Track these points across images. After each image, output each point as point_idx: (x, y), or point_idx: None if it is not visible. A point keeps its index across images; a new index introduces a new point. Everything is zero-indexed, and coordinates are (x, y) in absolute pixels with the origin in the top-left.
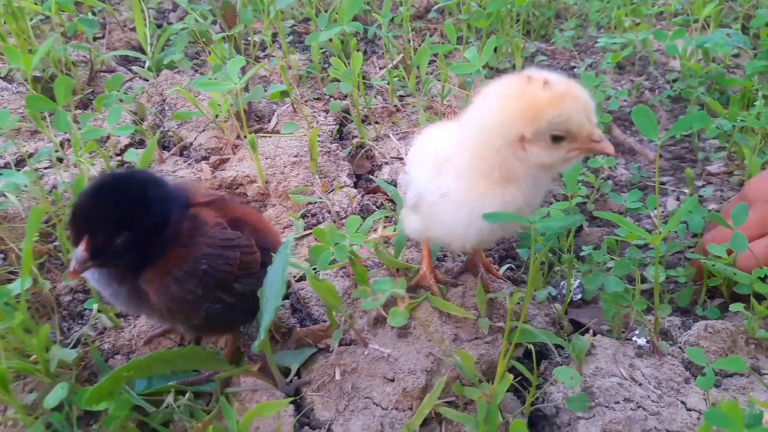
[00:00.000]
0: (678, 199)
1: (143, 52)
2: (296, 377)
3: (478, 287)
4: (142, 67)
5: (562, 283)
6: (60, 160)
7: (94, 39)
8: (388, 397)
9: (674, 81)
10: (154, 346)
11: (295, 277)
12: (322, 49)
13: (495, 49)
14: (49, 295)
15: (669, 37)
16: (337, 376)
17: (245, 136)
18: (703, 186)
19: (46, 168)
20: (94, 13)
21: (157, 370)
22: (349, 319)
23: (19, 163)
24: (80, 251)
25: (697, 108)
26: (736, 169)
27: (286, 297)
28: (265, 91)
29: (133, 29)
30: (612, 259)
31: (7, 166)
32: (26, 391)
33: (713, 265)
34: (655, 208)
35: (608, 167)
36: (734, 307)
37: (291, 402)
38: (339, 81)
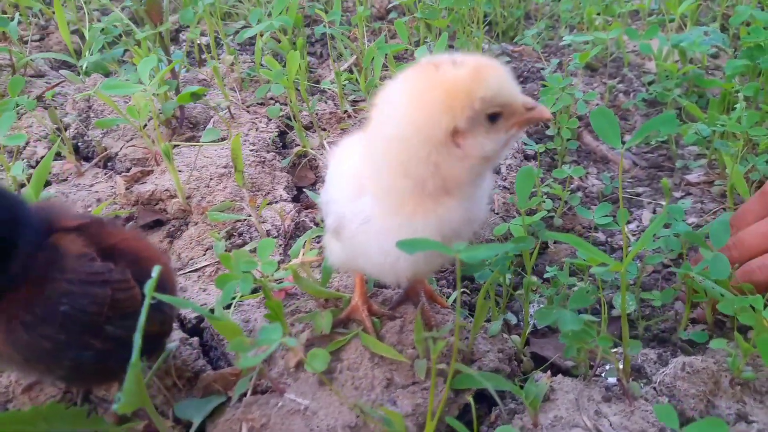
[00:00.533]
0: (654, 211)
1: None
2: None
3: (416, 321)
4: (73, 72)
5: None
6: None
7: (35, 41)
8: None
9: (650, 83)
10: (35, 393)
11: (211, 310)
12: (270, 52)
13: (453, 48)
14: None
15: (642, 36)
16: None
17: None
18: (682, 197)
19: None
20: (34, 15)
21: (15, 430)
22: (262, 363)
23: None
24: None
25: (674, 112)
26: (718, 178)
27: (196, 333)
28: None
29: (75, 32)
30: (580, 279)
31: None
32: None
33: (700, 282)
34: (627, 223)
35: (577, 177)
36: (715, 344)
37: None
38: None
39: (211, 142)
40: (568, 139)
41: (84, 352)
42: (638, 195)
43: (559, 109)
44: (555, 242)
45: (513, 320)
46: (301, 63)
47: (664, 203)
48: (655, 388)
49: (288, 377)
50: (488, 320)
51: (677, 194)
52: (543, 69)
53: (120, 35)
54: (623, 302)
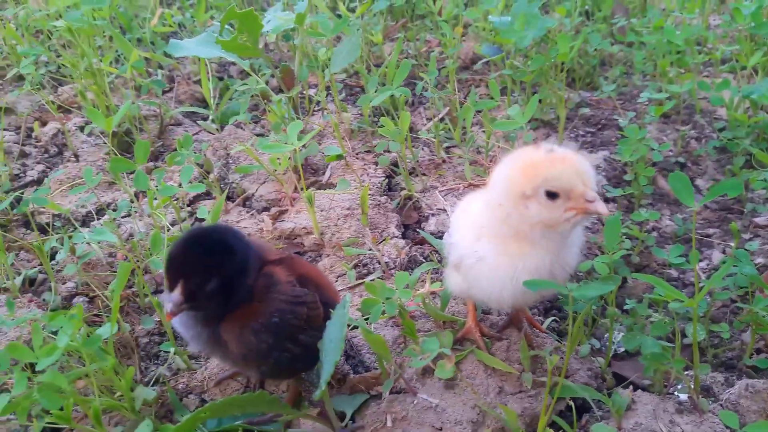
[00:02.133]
0: (724, 251)
1: (207, 105)
2: (351, 422)
3: (521, 342)
4: (205, 120)
5: (606, 335)
6: (135, 211)
7: (163, 93)
8: None
9: (721, 130)
10: (223, 387)
11: (349, 326)
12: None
13: (540, 101)
14: (130, 337)
15: (714, 89)
16: (389, 423)
17: (302, 189)
18: (750, 239)
19: (123, 217)
20: (161, 67)
21: (230, 412)
22: (399, 369)
23: (99, 212)
24: (176, 295)
25: (743, 159)
26: None
27: None
28: (320, 145)
29: (197, 82)
30: (656, 311)
31: (88, 215)
32: (112, 425)
33: (763, 316)
34: (697, 263)
35: (652, 220)
36: (761, 363)
37: None
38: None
39: (343, 190)
40: (644, 185)
41: (284, 353)
42: (709, 236)
43: (636, 159)
44: (633, 278)
45: (596, 345)
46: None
47: (733, 244)
48: (721, 405)
49: (417, 382)
50: (579, 344)
51: (746, 236)
52: (618, 119)
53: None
54: (695, 332)
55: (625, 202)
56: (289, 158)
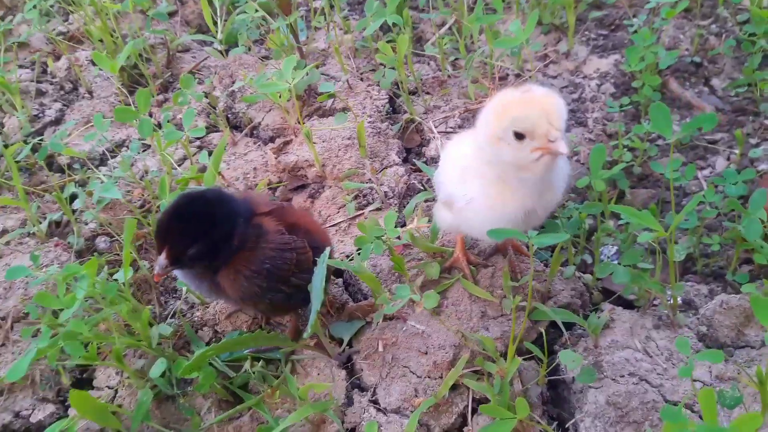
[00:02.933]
0: (728, 158)
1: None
2: (348, 347)
3: (504, 270)
4: (211, 46)
5: (601, 249)
6: (148, 146)
7: (170, 15)
8: (422, 367)
9: (744, 23)
10: (234, 320)
11: (348, 256)
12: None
13: (552, 2)
14: (149, 275)
15: None
16: (380, 348)
17: (302, 123)
18: (756, 144)
19: (138, 154)
20: None
21: (234, 349)
22: (414, 300)
23: (118, 147)
24: (162, 259)
25: (760, 58)
26: None
27: (339, 275)
28: (324, 66)
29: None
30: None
31: (104, 154)
32: (136, 357)
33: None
34: (700, 169)
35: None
36: (746, 288)
37: (343, 367)
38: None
39: (340, 125)
40: (651, 92)
41: (277, 294)
42: (715, 142)
43: (643, 67)
44: (635, 187)
45: (589, 260)
46: (406, 32)
47: (737, 151)
48: (698, 319)
49: (408, 309)
50: (566, 263)
51: (753, 140)
52: (630, 25)
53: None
54: (671, 255)
55: (632, 110)
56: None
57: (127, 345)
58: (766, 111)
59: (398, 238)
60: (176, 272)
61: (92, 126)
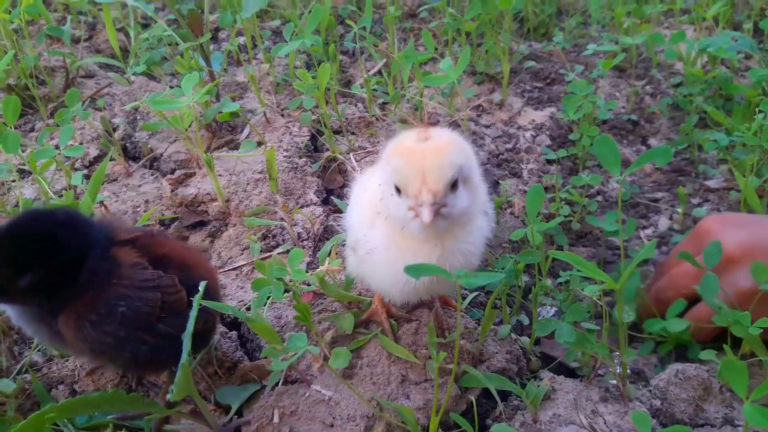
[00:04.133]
0: (671, 218)
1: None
2: (237, 416)
3: (428, 326)
4: (117, 72)
5: (539, 310)
6: (27, 173)
7: (85, 40)
8: None
9: (678, 85)
10: (97, 376)
11: (247, 306)
12: (303, 52)
13: (487, 52)
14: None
15: (669, 41)
16: (275, 419)
17: (205, 151)
18: (699, 204)
19: (13, 181)
20: (82, 13)
21: (82, 412)
22: (311, 353)
23: None
24: None
25: (696, 117)
26: (737, 186)
27: (235, 328)
28: (242, 100)
29: (121, 29)
30: (593, 282)
31: None
32: None
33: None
34: (643, 228)
35: (596, 184)
36: (704, 354)
37: None
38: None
39: (249, 154)
40: (588, 146)
41: (140, 346)
42: (656, 200)
43: (580, 117)
44: (575, 245)
45: (526, 321)
46: (332, 67)
47: (680, 210)
48: (650, 391)
49: (315, 370)
50: (501, 323)
51: (695, 200)
52: (565, 75)
53: (161, 40)
54: (620, 315)
55: (569, 164)
56: (200, 116)
57: None
58: (706, 171)
59: (307, 284)
60: (8, 312)
61: None
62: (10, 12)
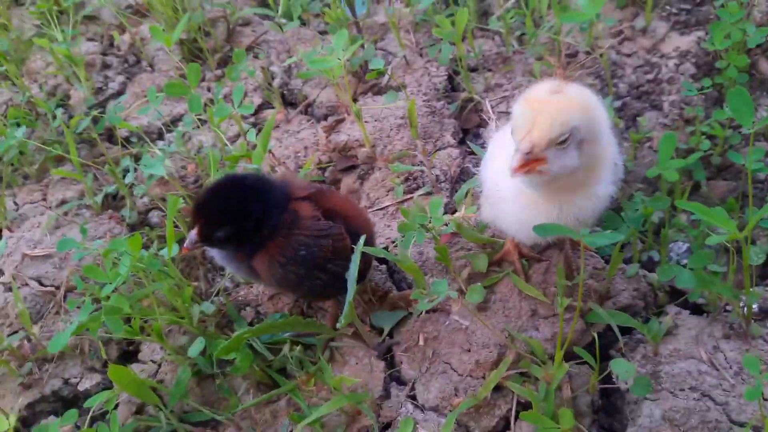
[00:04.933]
0: None
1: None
2: (389, 337)
3: (558, 266)
4: (271, 20)
5: (671, 246)
6: (204, 121)
7: None
8: (464, 365)
9: None
10: (275, 301)
11: (395, 242)
12: None
13: None
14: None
15: None
16: (421, 342)
17: (356, 100)
18: None
19: (194, 129)
20: None
21: (270, 333)
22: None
23: (171, 124)
24: (193, 234)
25: None
26: None
27: (383, 262)
28: (383, 41)
29: None
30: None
31: (161, 128)
32: (180, 334)
33: None
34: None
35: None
36: None
37: (382, 358)
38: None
39: (390, 104)
40: (735, 76)
41: (315, 281)
42: None
43: (727, 46)
44: (708, 180)
45: (657, 257)
46: (468, 5)
47: None
48: None
49: (452, 302)
50: (631, 261)
51: None
52: None
53: None
54: (746, 258)
55: (715, 94)
56: (346, 62)
57: (170, 322)
58: None
59: (445, 225)
60: (213, 254)
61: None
62: None
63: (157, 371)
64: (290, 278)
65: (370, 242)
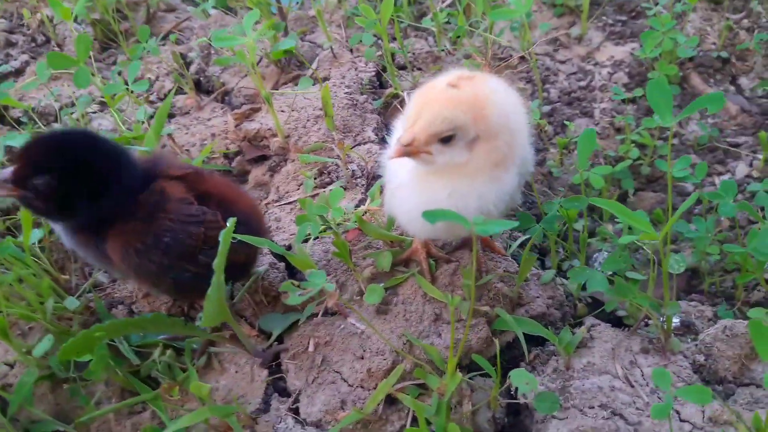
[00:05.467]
0: (751, 165)
1: None
2: (278, 342)
3: (467, 267)
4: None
5: (594, 256)
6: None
7: None
8: (355, 374)
9: None
10: (152, 299)
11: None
12: None
13: None
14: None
15: None
16: (311, 348)
17: (274, 87)
18: None
19: (94, 113)
20: None
21: (127, 332)
22: (335, 289)
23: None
24: (6, 172)
25: None
26: None
27: (282, 259)
28: (312, 34)
29: None
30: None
31: (61, 108)
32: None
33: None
34: (719, 174)
35: (675, 124)
36: (753, 312)
37: (267, 366)
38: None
39: (304, 91)
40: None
41: (182, 274)
42: (738, 145)
43: (657, 55)
44: (636, 192)
45: (578, 265)
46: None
47: (761, 156)
48: (696, 346)
49: (354, 303)
50: (547, 268)
51: None
52: (648, 8)
53: None
54: (665, 265)
55: (646, 104)
56: (269, 51)
57: (20, 316)
58: None
59: (345, 222)
60: (61, 236)
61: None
62: None
63: (7, 374)
64: (150, 269)
65: (257, 229)
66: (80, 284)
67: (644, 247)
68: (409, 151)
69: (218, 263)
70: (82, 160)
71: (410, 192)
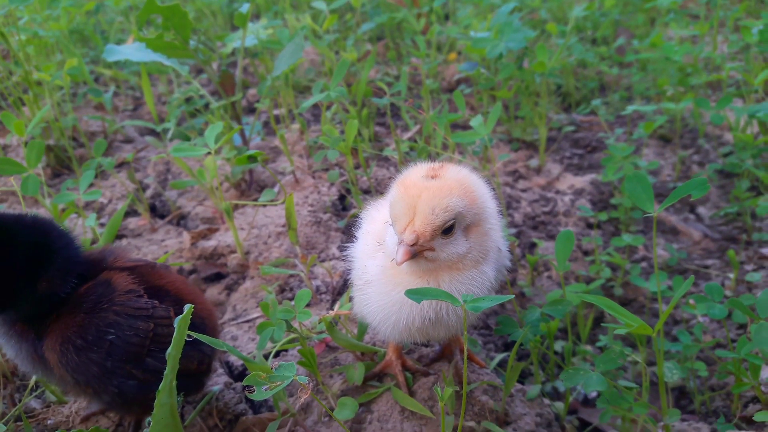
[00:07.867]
0: (722, 284)
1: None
2: None
3: (447, 379)
4: (158, 139)
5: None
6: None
7: (130, 110)
8: None
9: (727, 155)
10: (92, 424)
11: (265, 357)
12: (339, 123)
13: (524, 118)
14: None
15: (715, 107)
16: None
17: (234, 203)
18: (754, 270)
19: None
20: (131, 88)
21: None
22: (293, 411)
23: None
24: None
25: (747, 183)
26: None
27: (240, 380)
28: (274, 162)
29: (166, 102)
30: (636, 350)
31: None
32: None
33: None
34: (690, 294)
35: (641, 247)
36: (759, 416)
37: None
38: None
39: (268, 202)
40: (630, 208)
41: (127, 380)
42: (707, 267)
43: (619, 179)
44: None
45: (561, 388)
46: (365, 132)
47: (732, 276)
48: None
49: (321, 425)
50: (530, 384)
51: (749, 267)
52: (606, 138)
53: (197, 109)
54: (660, 369)
55: (611, 228)
56: (228, 174)
57: None
58: (761, 239)
59: (319, 333)
60: None
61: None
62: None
63: None
64: (91, 372)
65: (211, 333)
66: (6, 412)
67: (634, 357)
68: (416, 250)
69: (173, 354)
70: (14, 249)
71: (382, 288)
